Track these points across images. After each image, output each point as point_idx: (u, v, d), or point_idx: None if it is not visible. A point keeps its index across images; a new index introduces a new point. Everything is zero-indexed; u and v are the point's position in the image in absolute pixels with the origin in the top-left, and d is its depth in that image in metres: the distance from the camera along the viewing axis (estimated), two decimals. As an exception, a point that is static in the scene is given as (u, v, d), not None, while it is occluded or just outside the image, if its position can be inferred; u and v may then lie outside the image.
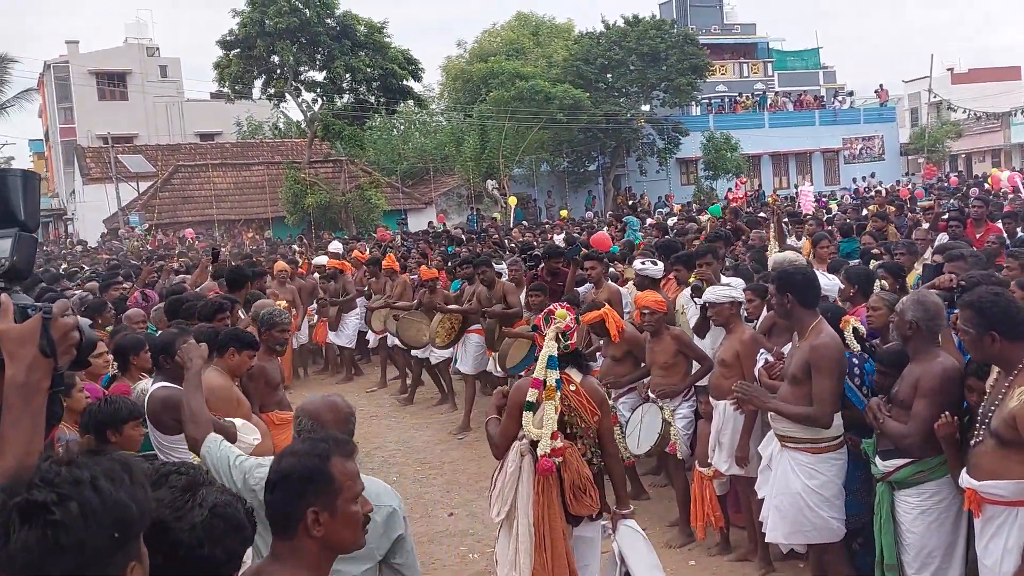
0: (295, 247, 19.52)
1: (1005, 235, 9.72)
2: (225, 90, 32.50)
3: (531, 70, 35.03)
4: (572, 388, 4.27)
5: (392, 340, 11.33)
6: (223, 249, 17.28)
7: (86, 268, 15.86)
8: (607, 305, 6.94)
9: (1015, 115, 44.36)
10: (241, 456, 3.15)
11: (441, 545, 6.69)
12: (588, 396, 4.31)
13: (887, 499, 4.23)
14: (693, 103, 39.68)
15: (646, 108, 38.16)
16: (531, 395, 4.18)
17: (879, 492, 4.27)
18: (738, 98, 44.02)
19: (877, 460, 4.28)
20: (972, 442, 3.81)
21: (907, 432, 4.07)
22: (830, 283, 5.50)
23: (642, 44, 35.59)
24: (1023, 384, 3.55)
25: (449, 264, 12.14)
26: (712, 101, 43.05)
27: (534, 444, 4.17)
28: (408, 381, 11.49)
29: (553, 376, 4.16)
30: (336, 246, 16.42)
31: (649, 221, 17.89)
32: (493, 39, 42.62)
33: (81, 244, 29.06)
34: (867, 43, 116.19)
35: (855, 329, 4.81)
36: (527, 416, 4.17)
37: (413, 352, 10.93)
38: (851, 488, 4.70)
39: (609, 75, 36.61)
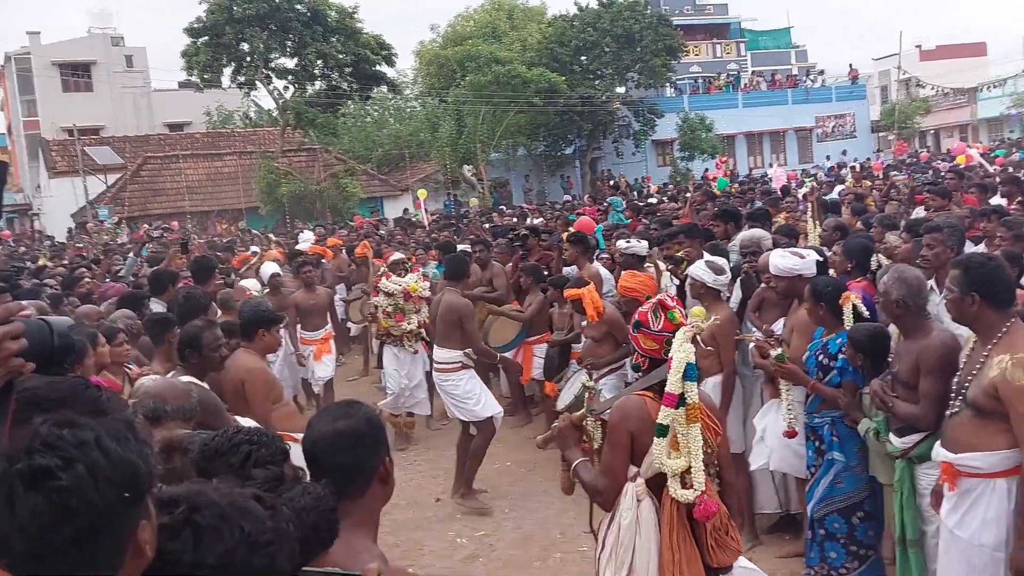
0: (271, 236, 19.29)
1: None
2: (194, 79, 32.09)
3: (507, 54, 34.80)
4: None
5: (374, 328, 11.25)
6: (198, 241, 17.03)
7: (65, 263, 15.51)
8: (591, 283, 6.94)
9: (982, 91, 44.80)
10: None
11: (429, 531, 6.63)
12: (710, 411, 3.41)
13: (908, 475, 4.16)
14: (668, 84, 39.64)
15: (621, 90, 38.12)
16: (663, 416, 3.18)
17: (899, 469, 4.20)
18: (712, 79, 44.09)
19: (892, 438, 4.21)
20: (948, 413, 3.77)
21: (920, 414, 4.00)
22: (799, 262, 5.37)
23: (616, 26, 35.52)
24: (1001, 353, 3.50)
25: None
26: (686, 82, 43.06)
27: (650, 483, 3.28)
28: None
29: (693, 390, 3.20)
30: (307, 237, 16.19)
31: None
32: (467, 23, 42.30)
33: (49, 239, 28.59)
34: (837, 22, 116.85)
35: (855, 306, 4.71)
36: (660, 444, 3.19)
37: (354, 330, 11.21)
38: (849, 463, 4.65)
39: (584, 57, 36.52)
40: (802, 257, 5.21)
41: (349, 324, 11.94)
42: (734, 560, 3.32)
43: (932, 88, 45.48)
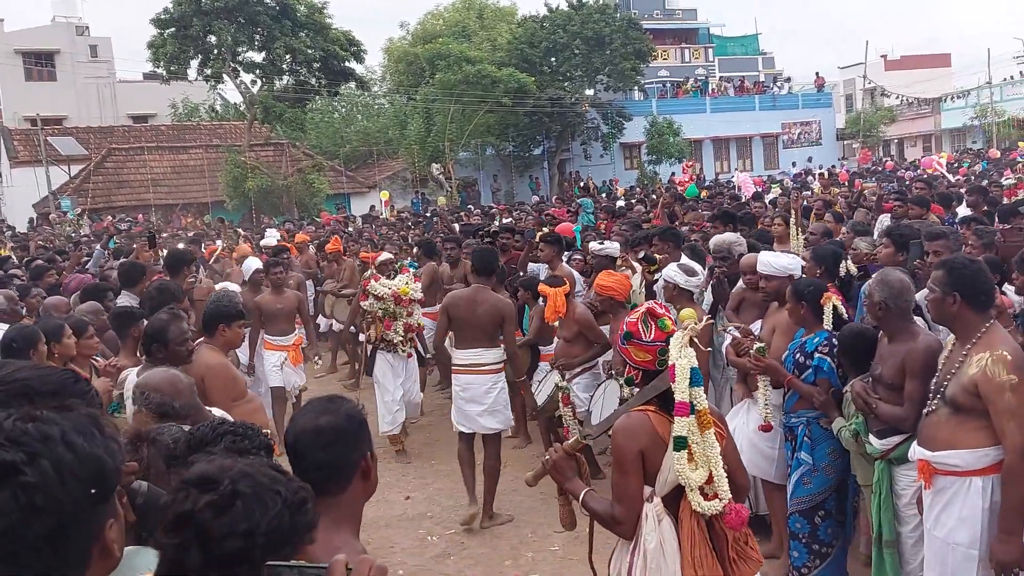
0: (240, 230, 19.09)
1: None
2: (159, 71, 31.65)
3: (477, 53, 34.76)
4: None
5: (338, 326, 11.15)
6: (164, 235, 16.78)
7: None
8: (567, 283, 6.96)
9: (946, 101, 45.61)
10: None
11: (399, 529, 6.58)
12: (713, 415, 3.20)
13: (887, 476, 4.18)
14: (636, 88, 39.85)
15: (590, 92, 38.24)
16: (680, 426, 3.01)
17: (878, 470, 4.24)
18: (681, 83, 44.41)
19: (872, 440, 4.25)
20: (925, 412, 3.83)
21: (904, 415, 4.04)
22: (793, 262, 5.44)
23: (586, 28, 35.63)
24: (981, 352, 3.58)
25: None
26: (655, 86, 43.31)
27: (666, 500, 3.12)
28: (357, 367, 11.32)
29: (701, 396, 3.05)
30: (272, 233, 16.00)
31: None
32: (436, 21, 42.21)
33: (10, 230, 28.02)
34: (804, 30, 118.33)
35: (835, 307, 4.77)
36: (680, 458, 3.01)
37: (361, 338, 10.83)
38: (818, 465, 4.70)
39: (553, 59, 36.60)
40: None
41: (319, 320, 11.78)
42: (756, 571, 3.17)
43: (897, 97, 46.20)
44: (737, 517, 3.02)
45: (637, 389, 3.31)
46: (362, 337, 8.90)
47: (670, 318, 3.24)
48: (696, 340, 3.14)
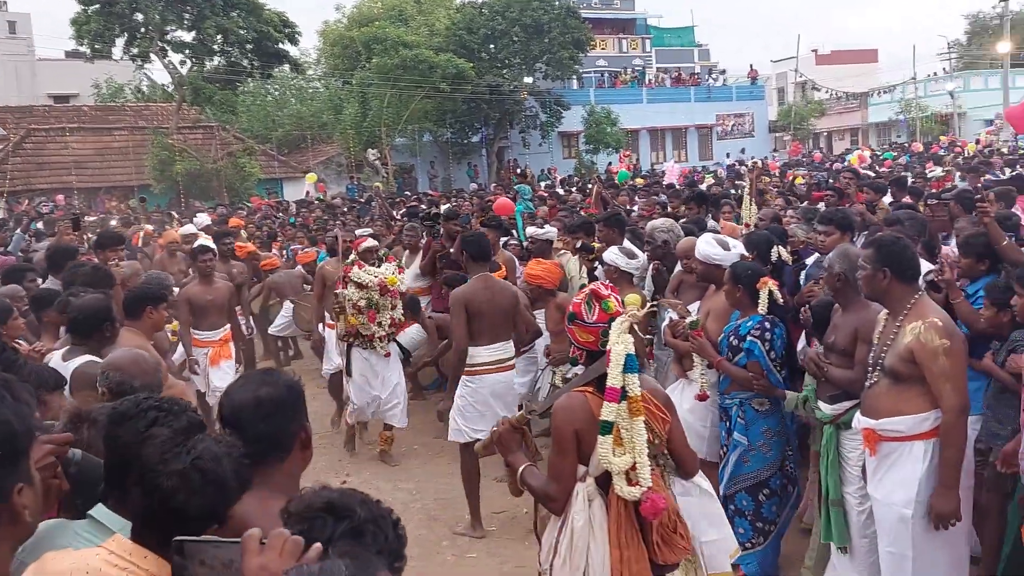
0: (174, 214, 18.57)
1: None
2: (83, 49, 30.63)
3: (414, 38, 34.37)
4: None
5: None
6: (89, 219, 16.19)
7: None
8: (503, 268, 6.95)
9: (872, 96, 46.85)
10: None
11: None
12: (655, 399, 3.26)
13: (834, 440, 4.40)
14: (574, 77, 39.94)
15: (529, 80, 38.18)
16: (607, 411, 3.04)
17: (827, 434, 4.43)
18: (619, 74, 44.68)
19: (822, 405, 4.46)
20: (867, 384, 4.01)
21: (854, 377, 4.22)
22: (723, 255, 5.46)
23: (525, 15, 35.51)
24: (914, 321, 3.78)
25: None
26: (592, 76, 43.49)
27: (599, 481, 3.16)
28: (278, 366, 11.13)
29: (635, 382, 3.07)
30: (202, 219, 15.57)
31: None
32: (373, 4, 41.63)
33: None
34: (738, 23, 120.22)
35: (771, 292, 4.86)
36: (605, 442, 3.04)
37: (272, 328, 10.79)
38: (754, 444, 4.81)
39: (492, 46, 36.40)
40: (726, 248, 5.33)
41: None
42: (681, 558, 3.20)
43: (826, 91, 47.28)
44: (651, 507, 3.01)
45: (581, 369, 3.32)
46: (327, 332, 8.33)
47: (615, 299, 3.23)
48: (636, 327, 3.15)
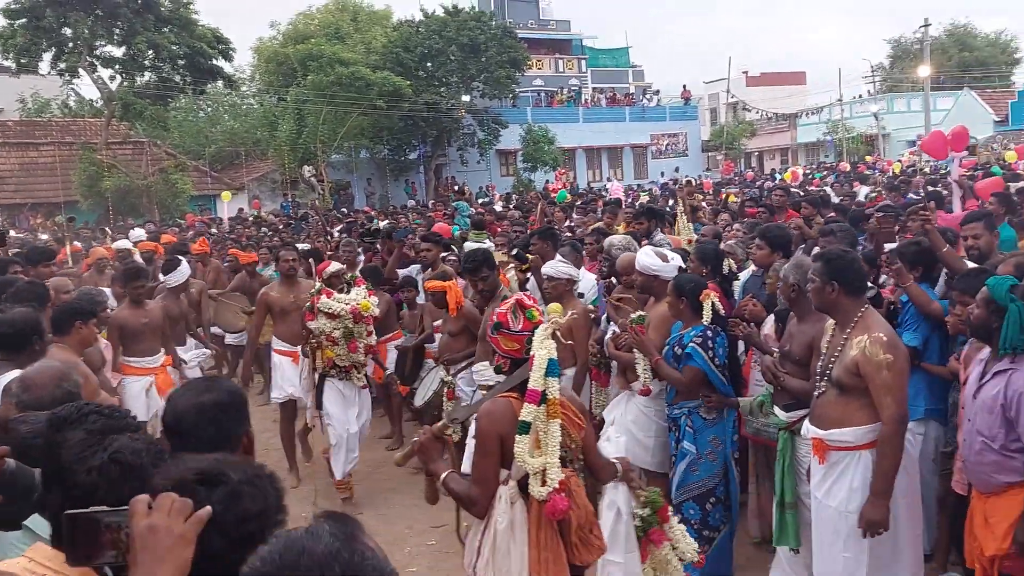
0: (107, 230, 18.13)
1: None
2: (8, 63, 29.75)
3: (351, 55, 34.22)
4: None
5: (233, 338, 10.64)
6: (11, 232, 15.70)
7: None
8: (455, 277, 6.98)
9: (801, 117, 48.12)
10: None
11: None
12: (572, 406, 3.40)
13: (790, 445, 4.51)
14: (511, 96, 40.23)
15: (466, 99, 38.31)
16: (526, 413, 3.15)
17: (782, 440, 4.54)
18: (555, 93, 45.12)
19: (778, 412, 4.59)
20: (815, 394, 4.10)
21: (811, 387, 4.27)
22: (662, 265, 5.56)
23: (462, 35, 35.66)
24: (860, 335, 3.87)
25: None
26: (529, 95, 43.82)
27: (521, 484, 3.22)
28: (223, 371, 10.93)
29: (555, 386, 3.19)
30: (138, 234, 15.25)
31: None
32: (309, 21, 41.36)
33: None
34: (672, 44, 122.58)
35: (713, 303, 4.97)
36: (521, 442, 3.15)
37: (228, 339, 10.46)
38: (702, 452, 4.89)
39: (429, 64, 36.42)
40: (665, 260, 5.44)
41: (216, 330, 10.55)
42: (597, 557, 3.32)
43: (757, 112, 48.39)
44: (552, 507, 3.10)
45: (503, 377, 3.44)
46: (277, 359, 7.87)
47: (538, 309, 3.40)
48: (559, 334, 3.29)
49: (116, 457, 1.86)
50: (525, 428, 3.14)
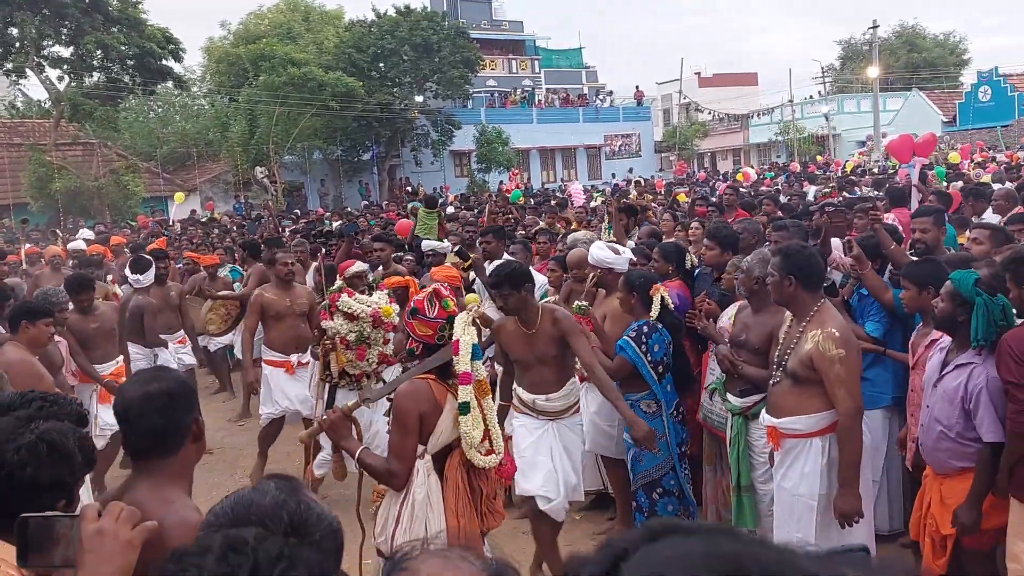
0: (58, 232, 17.88)
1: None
2: (-48, 63, 29.07)
3: (303, 56, 34.02)
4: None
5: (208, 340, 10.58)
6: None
7: None
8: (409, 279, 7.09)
9: (753, 118, 48.91)
10: None
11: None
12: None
13: (743, 430, 4.72)
14: (465, 96, 40.29)
15: (420, 99, 38.33)
16: (464, 393, 3.49)
17: (736, 425, 4.75)
18: (509, 94, 45.27)
19: (732, 398, 4.78)
20: (771, 383, 4.29)
21: (766, 375, 4.46)
22: (614, 258, 5.72)
23: (414, 35, 35.64)
24: (814, 329, 4.03)
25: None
26: (483, 95, 43.92)
27: (435, 457, 3.53)
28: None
29: (480, 368, 3.58)
30: (86, 235, 15.08)
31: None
32: (260, 21, 40.99)
33: None
34: (625, 45, 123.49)
35: (663, 298, 5.15)
36: (465, 421, 3.48)
37: (204, 343, 10.50)
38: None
39: (382, 64, 36.35)
40: (617, 253, 5.62)
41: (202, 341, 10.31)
42: (500, 523, 3.71)
43: (709, 113, 49.05)
44: (509, 469, 3.54)
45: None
46: (269, 371, 7.43)
47: (452, 300, 3.74)
48: (479, 321, 3.63)
49: (44, 438, 1.98)
50: (466, 408, 3.48)
